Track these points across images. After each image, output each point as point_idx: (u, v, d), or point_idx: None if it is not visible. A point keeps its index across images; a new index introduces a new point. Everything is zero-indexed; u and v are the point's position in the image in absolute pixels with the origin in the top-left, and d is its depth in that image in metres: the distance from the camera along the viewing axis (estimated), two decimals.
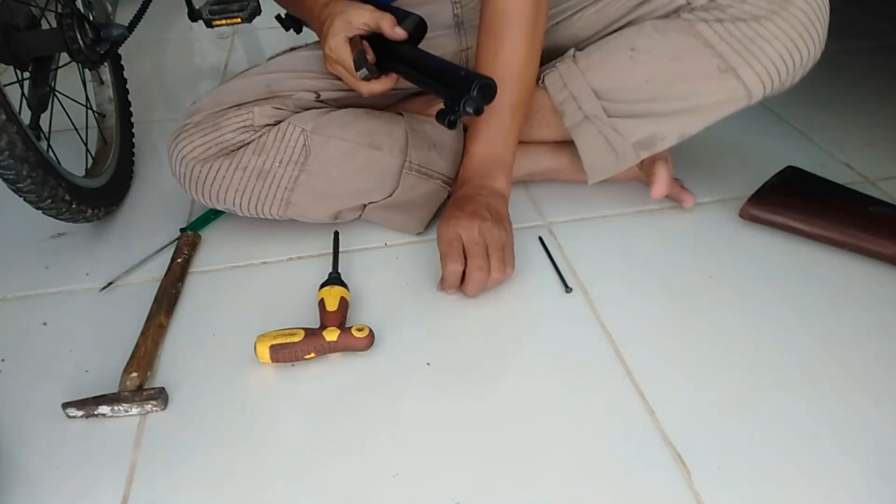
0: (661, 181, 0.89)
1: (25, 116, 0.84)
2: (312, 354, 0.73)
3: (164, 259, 0.89)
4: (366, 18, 0.80)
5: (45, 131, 0.93)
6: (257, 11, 1.37)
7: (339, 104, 0.92)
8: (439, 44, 0.92)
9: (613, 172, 0.92)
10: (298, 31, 1.08)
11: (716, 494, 0.59)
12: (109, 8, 1.07)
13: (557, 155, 0.98)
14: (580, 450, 0.63)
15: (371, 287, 0.83)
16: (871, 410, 0.66)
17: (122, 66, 1.14)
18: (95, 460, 0.65)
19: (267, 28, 1.64)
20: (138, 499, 0.61)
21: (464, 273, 0.79)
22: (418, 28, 0.83)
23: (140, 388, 0.70)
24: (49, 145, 0.91)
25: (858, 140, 1.10)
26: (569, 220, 0.94)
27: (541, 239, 0.90)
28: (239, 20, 1.34)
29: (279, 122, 0.86)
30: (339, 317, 0.75)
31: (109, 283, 0.86)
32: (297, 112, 0.88)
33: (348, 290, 0.79)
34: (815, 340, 0.74)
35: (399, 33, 0.80)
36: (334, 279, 0.80)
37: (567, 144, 0.97)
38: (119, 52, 1.09)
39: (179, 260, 0.88)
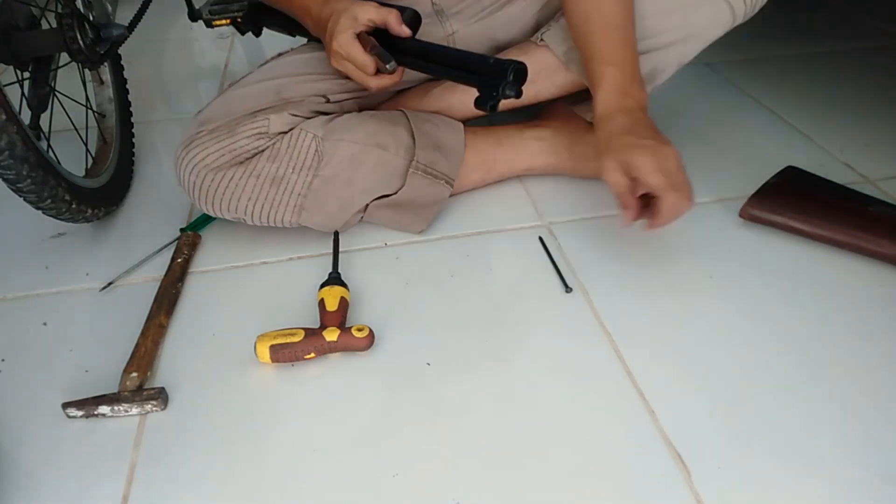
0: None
1: (25, 116, 0.84)
2: (312, 354, 0.73)
3: (164, 259, 0.89)
4: (371, 15, 0.81)
5: (45, 131, 0.93)
6: None
7: (343, 106, 0.93)
8: (426, 31, 0.93)
9: None
10: (257, 34, 1.08)
11: (716, 494, 0.59)
12: (109, 8, 1.07)
13: (557, 150, 0.99)
14: (580, 450, 0.63)
15: (371, 287, 0.84)
16: (870, 410, 0.66)
17: (122, 66, 1.14)
18: (95, 460, 0.65)
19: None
20: (138, 499, 0.61)
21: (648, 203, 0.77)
22: (415, 21, 0.84)
23: (140, 388, 0.70)
24: (49, 145, 0.91)
25: (858, 140, 1.10)
26: (569, 220, 0.94)
27: (541, 239, 0.90)
28: (239, 20, 1.34)
29: (291, 129, 0.87)
30: (339, 317, 0.75)
31: (109, 283, 0.86)
32: (310, 118, 0.88)
33: (348, 290, 0.79)
34: (815, 340, 0.74)
35: (405, 30, 0.82)
36: (334, 279, 0.80)
37: (565, 139, 0.98)
38: (119, 52, 1.09)
39: (179, 260, 0.88)
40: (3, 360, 0.77)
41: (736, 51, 1.42)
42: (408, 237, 0.92)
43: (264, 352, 0.72)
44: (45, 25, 0.92)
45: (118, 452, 0.65)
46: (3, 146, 0.72)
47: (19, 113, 0.77)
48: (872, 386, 0.68)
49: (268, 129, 0.85)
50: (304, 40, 1.02)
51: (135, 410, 0.69)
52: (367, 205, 0.90)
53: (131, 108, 1.15)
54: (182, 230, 0.94)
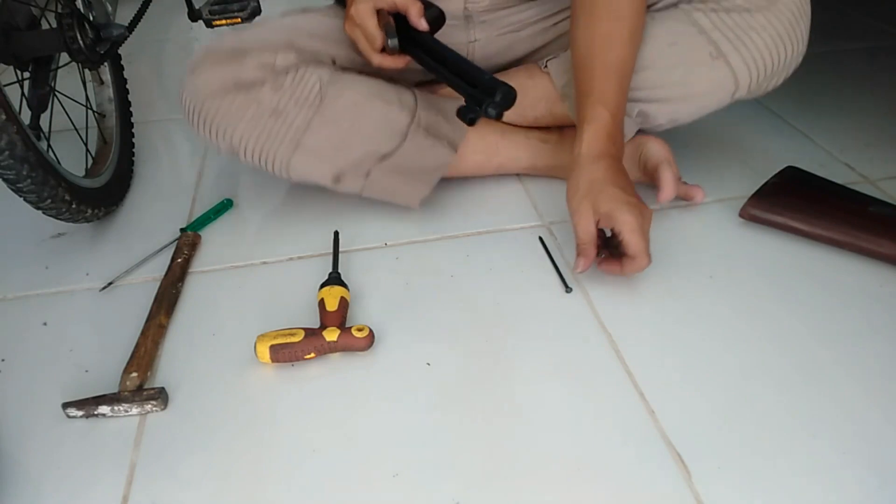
0: (668, 185, 0.89)
1: (25, 116, 0.84)
2: (312, 354, 0.73)
3: (164, 259, 0.89)
4: None
5: (45, 131, 0.93)
6: (257, 11, 1.36)
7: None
8: (448, 33, 0.94)
9: None
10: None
11: (716, 494, 0.59)
12: (109, 8, 1.07)
13: (558, 152, 0.99)
14: (580, 450, 0.63)
15: (371, 287, 0.83)
16: (870, 410, 0.66)
17: (122, 66, 1.14)
18: (95, 460, 0.65)
19: None
20: (138, 499, 0.61)
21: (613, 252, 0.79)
22: (438, 20, 0.86)
23: (140, 388, 0.70)
24: (49, 145, 0.91)
25: (858, 140, 1.10)
26: (569, 220, 0.94)
27: (541, 239, 0.90)
28: (239, 20, 1.33)
29: (298, 69, 0.87)
30: (339, 317, 0.75)
31: (109, 283, 0.86)
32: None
33: (348, 290, 0.79)
34: (815, 340, 0.74)
35: (423, 24, 0.83)
36: (334, 279, 0.80)
37: (570, 146, 0.97)
38: (119, 52, 1.09)
39: (179, 260, 0.88)
40: (3, 360, 0.77)
41: None
42: (408, 237, 0.92)
43: (264, 352, 0.72)
44: (45, 25, 0.92)
45: (118, 452, 0.65)
46: (3, 146, 0.72)
47: (19, 113, 0.77)
48: (872, 386, 0.68)
49: (274, 63, 0.85)
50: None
51: (135, 410, 0.69)
52: (370, 171, 0.90)
53: (131, 108, 1.15)
54: (182, 230, 0.94)
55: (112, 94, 1.09)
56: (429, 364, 0.73)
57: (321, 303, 0.77)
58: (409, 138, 0.90)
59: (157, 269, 0.88)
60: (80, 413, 0.68)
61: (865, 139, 1.10)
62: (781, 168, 0.95)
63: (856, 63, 1.38)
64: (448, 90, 0.99)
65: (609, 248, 0.81)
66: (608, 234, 0.80)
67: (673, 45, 0.87)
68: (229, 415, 0.68)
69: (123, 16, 1.10)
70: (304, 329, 0.73)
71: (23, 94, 0.91)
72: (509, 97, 0.76)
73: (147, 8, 1.21)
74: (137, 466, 0.64)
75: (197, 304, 0.83)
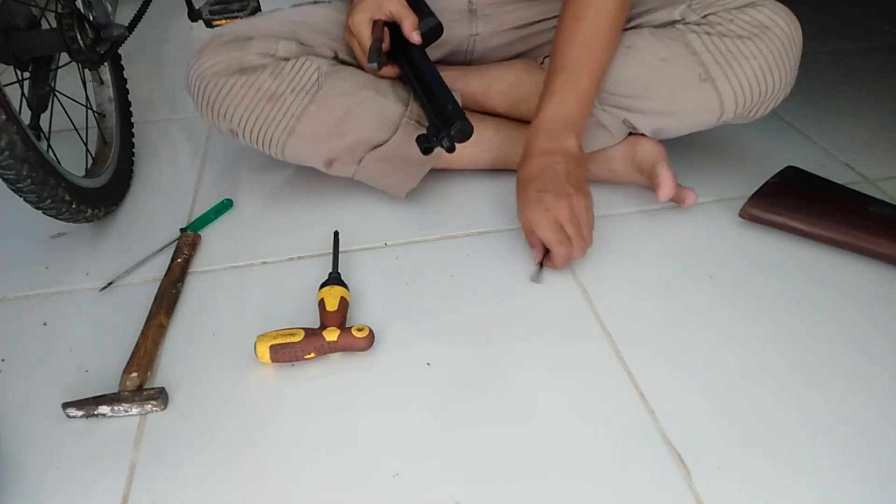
0: (668, 182, 0.89)
1: (25, 116, 0.84)
2: (312, 354, 0.73)
3: (164, 259, 0.89)
4: (392, 8, 0.86)
5: (45, 131, 0.93)
6: (257, 11, 1.37)
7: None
8: (451, 27, 0.95)
9: (603, 146, 0.95)
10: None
11: (716, 494, 0.59)
12: (109, 8, 1.07)
13: None
14: (580, 449, 0.63)
15: (371, 287, 0.84)
16: (870, 411, 0.66)
17: (122, 66, 1.14)
18: (95, 460, 0.65)
19: None
20: (138, 499, 0.61)
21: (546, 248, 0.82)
22: (433, 31, 0.89)
23: (140, 388, 0.70)
24: (49, 145, 0.91)
25: (858, 140, 1.10)
26: None
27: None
28: (239, 20, 1.34)
29: (298, 58, 0.90)
30: (339, 317, 0.75)
31: (109, 283, 0.86)
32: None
33: (348, 290, 0.79)
34: (815, 340, 0.74)
35: (415, 38, 0.87)
36: (334, 279, 0.80)
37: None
38: (119, 52, 1.09)
39: (179, 260, 0.88)
40: (3, 360, 0.77)
41: None
42: (408, 237, 0.92)
43: (264, 352, 0.72)
44: (45, 25, 0.92)
45: (118, 452, 0.65)
46: (3, 146, 0.72)
47: (19, 113, 0.77)
48: (872, 386, 0.68)
49: (276, 51, 0.89)
50: None
51: (135, 410, 0.69)
52: (362, 158, 0.92)
53: (131, 108, 1.15)
54: (182, 230, 0.94)
55: (112, 94, 1.09)
56: (429, 364, 0.73)
57: (321, 303, 0.77)
58: (401, 129, 0.91)
59: (157, 269, 0.88)
60: (80, 413, 0.68)
61: (865, 139, 1.10)
62: (781, 168, 0.95)
63: (856, 63, 1.38)
64: None
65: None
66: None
67: (664, 61, 0.88)
68: (229, 415, 0.69)
69: (123, 16, 1.10)
70: (304, 329, 0.73)
71: (23, 94, 0.91)
72: (464, 132, 0.79)
73: (147, 8, 1.21)
74: (137, 466, 0.64)
75: (197, 304, 0.83)
